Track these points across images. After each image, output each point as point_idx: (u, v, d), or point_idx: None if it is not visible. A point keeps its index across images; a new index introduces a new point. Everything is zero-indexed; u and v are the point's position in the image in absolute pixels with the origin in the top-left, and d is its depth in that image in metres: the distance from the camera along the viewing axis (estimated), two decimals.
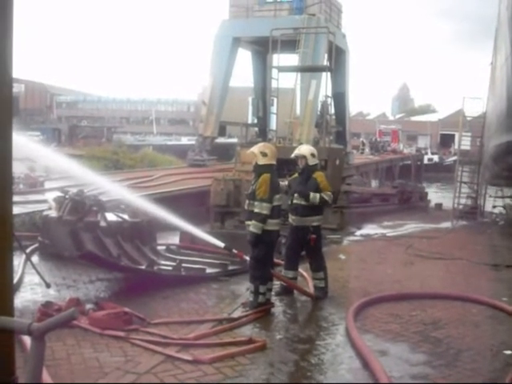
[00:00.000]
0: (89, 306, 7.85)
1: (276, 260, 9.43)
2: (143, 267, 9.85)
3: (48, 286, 7.91)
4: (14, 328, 3.16)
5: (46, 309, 7.56)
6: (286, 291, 9.18)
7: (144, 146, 47.45)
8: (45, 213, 11.46)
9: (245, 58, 35.26)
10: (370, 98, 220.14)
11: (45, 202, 13.36)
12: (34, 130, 45.33)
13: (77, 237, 9.42)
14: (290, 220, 9.33)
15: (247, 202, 8.55)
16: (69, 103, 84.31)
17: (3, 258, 3.30)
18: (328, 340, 7.27)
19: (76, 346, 6.63)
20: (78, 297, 8.26)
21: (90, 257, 9.06)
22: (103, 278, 9.84)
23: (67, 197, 10.34)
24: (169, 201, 15.23)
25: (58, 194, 11.14)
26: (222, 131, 33.89)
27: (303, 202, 9.08)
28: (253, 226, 8.26)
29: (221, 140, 35.59)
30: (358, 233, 16.94)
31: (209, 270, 10.51)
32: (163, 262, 10.63)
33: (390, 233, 16.99)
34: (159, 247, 11.54)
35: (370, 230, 17.61)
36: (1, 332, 3.22)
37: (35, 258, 10.58)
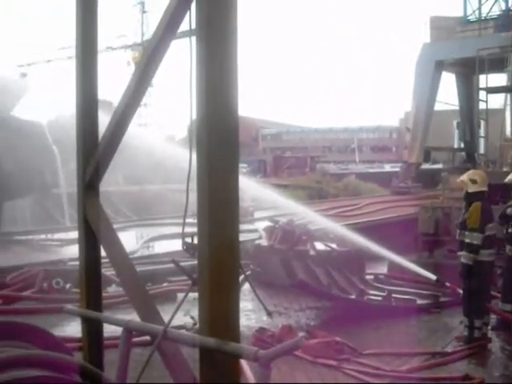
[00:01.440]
0: (300, 334, 8.02)
1: (492, 292, 8.94)
2: (353, 297, 9.86)
3: (269, 314, 8.21)
4: (242, 354, 3.32)
5: (260, 335, 7.86)
6: (504, 326, 8.66)
7: (347, 174, 47.67)
8: (256, 242, 11.94)
9: (449, 81, 34.25)
10: None
11: (256, 231, 13.93)
12: (242, 162, 47.57)
13: (288, 265, 9.68)
14: (507, 250, 8.83)
15: (458, 231, 8.27)
16: (273, 135, 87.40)
17: (231, 286, 3.48)
18: None
19: (290, 373, 6.80)
20: (290, 324, 8.48)
21: (302, 285, 9.29)
22: (313, 307, 10.00)
23: (277, 226, 10.69)
24: (374, 229, 15.14)
25: (268, 223, 11.55)
26: (427, 157, 33.03)
27: None
28: (464, 257, 7.96)
29: (425, 166, 34.68)
30: None
31: (419, 301, 10.25)
32: (372, 292, 10.56)
33: None
34: (368, 277, 11.48)
35: None
36: (229, 357, 3.39)
37: (248, 286, 11.03)
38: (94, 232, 4.29)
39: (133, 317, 4.23)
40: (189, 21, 3.61)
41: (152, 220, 20.61)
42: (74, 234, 16.90)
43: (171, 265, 11.02)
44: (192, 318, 8.00)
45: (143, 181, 27.24)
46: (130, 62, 65.22)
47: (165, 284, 10.24)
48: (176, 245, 13.72)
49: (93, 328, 4.46)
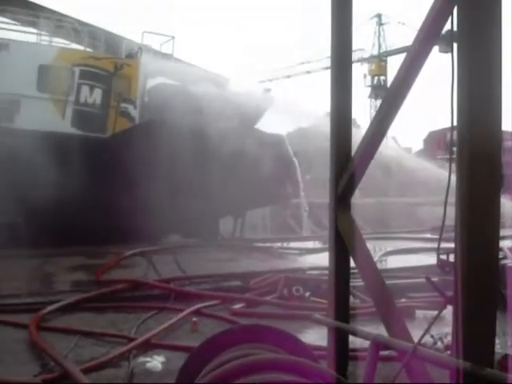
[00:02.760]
0: None
1: None
2: None
3: None
4: (500, 381, 3.14)
5: (505, 362, 7.34)
6: None
7: None
8: (502, 261, 11.22)
9: None
10: None
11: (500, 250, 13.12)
12: None
13: None
14: None
15: None
16: None
17: (489, 307, 3.30)
18: None
19: None
20: None
21: None
22: None
23: None
24: None
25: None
26: None
27: None
28: None
29: None
30: None
31: None
32: None
33: None
34: None
35: None
36: (484, 382, 3.21)
37: None
38: (344, 243, 4.32)
39: (370, 329, 4.20)
40: (450, 25, 3.48)
41: (388, 233, 20.43)
42: (311, 244, 17.35)
43: (410, 280, 10.82)
44: (432, 336, 7.70)
45: (379, 193, 27.18)
46: (366, 74, 65.64)
47: (403, 300, 10.02)
48: (414, 260, 13.48)
49: (340, 338, 4.48)
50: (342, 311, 4.48)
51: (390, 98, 3.94)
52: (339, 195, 4.40)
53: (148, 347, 7.46)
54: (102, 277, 11.56)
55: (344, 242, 4.32)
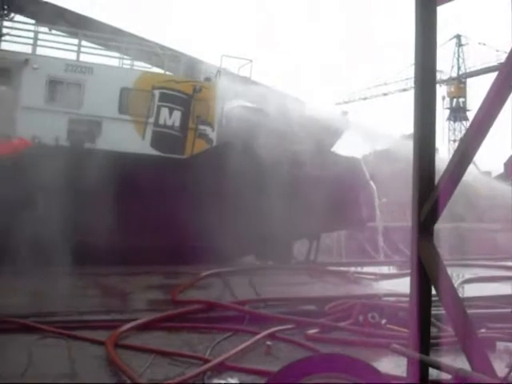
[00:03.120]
0: None
1: None
2: None
3: None
4: None
5: None
6: None
7: None
8: None
9: None
10: None
11: None
12: None
13: None
14: None
15: None
16: None
17: None
18: None
19: None
20: None
21: None
22: None
23: None
24: None
25: None
26: None
27: None
28: None
29: None
30: None
31: None
32: None
33: None
34: None
35: None
36: None
37: None
38: (426, 272, 4.19)
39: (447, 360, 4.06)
40: None
41: (466, 260, 19.84)
42: (386, 269, 17.12)
43: (490, 310, 10.44)
44: None
45: (458, 218, 26.50)
46: (445, 96, 64.46)
47: (482, 330, 9.66)
48: (495, 289, 13.03)
49: (420, 370, 4.33)
50: (423, 342, 4.33)
51: (477, 123, 3.80)
52: (422, 223, 4.27)
53: (222, 369, 7.45)
54: (177, 297, 11.68)
55: (426, 271, 4.19)
